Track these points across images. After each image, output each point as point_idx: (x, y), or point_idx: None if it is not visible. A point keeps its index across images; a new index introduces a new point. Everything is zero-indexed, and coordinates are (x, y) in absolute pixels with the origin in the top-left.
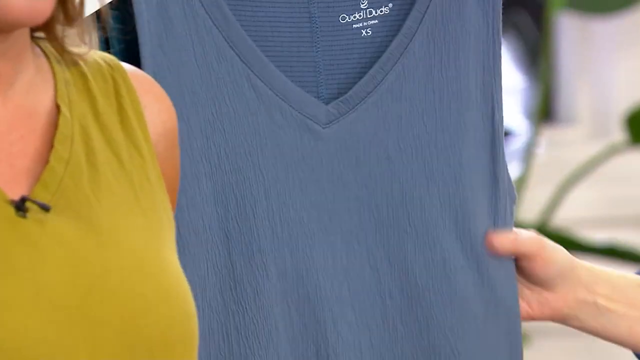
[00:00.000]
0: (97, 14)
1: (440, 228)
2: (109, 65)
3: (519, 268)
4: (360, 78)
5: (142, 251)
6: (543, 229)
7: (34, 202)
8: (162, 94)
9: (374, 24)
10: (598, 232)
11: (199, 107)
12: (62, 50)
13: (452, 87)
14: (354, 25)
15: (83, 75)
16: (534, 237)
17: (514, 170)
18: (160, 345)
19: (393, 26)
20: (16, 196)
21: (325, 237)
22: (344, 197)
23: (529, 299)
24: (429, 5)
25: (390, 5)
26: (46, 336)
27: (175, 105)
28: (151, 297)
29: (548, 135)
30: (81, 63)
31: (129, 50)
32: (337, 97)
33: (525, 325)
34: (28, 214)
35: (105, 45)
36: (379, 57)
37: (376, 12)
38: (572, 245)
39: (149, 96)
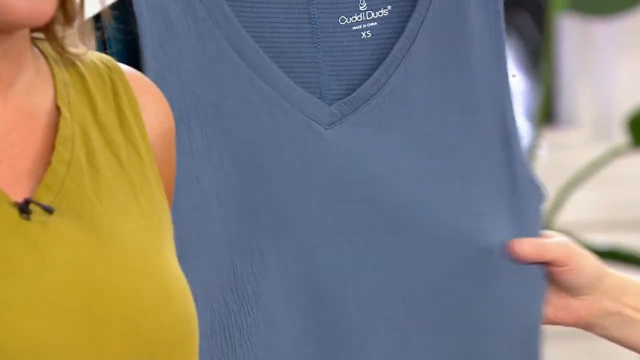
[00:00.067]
0: (96, 14)
1: (449, 228)
2: (106, 66)
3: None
4: (361, 80)
5: (144, 253)
6: None
7: (38, 204)
8: (160, 94)
9: (373, 26)
10: (600, 235)
11: (200, 109)
12: (61, 51)
13: (455, 88)
14: (353, 27)
15: (81, 76)
16: (562, 244)
17: None
18: (162, 347)
19: (393, 28)
20: (18, 198)
21: (329, 238)
22: (348, 198)
23: (554, 304)
24: (429, 7)
25: (389, 7)
26: (52, 339)
27: (176, 106)
28: (154, 299)
29: (549, 138)
30: (79, 64)
31: (127, 51)
32: (340, 99)
33: None
34: (31, 216)
35: (103, 46)
36: (380, 59)
37: (375, 15)
38: None
39: (147, 97)
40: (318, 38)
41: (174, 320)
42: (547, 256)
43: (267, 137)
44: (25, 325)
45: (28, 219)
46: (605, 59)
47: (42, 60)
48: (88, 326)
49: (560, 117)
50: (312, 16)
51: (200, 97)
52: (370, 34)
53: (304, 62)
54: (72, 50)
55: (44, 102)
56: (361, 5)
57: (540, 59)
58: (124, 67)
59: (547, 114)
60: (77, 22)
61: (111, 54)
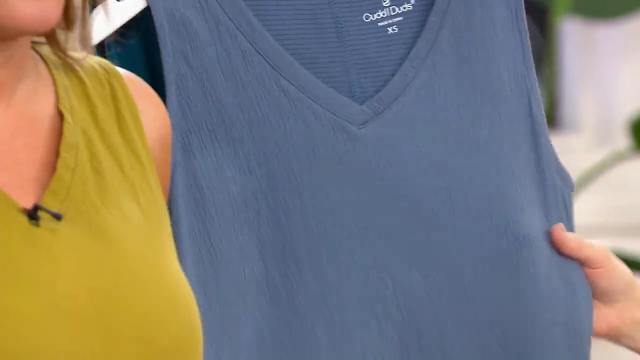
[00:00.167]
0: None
1: (487, 222)
2: (105, 70)
3: None
4: (392, 76)
5: (150, 259)
6: None
7: (47, 210)
8: (157, 98)
9: (399, 21)
10: (602, 239)
11: (226, 116)
12: (62, 55)
13: (483, 79)
14: (379, 24)
15: (81, 81)
16: (602, 247)
17: None
18: (171, 354)
19: (419, 22)
20: (25, 204)
21: (365, 238)
22: (382, 196)
23: None
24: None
25: (413, 1)
26: (63, 346)
27: (200, 115)
28: (162, 306)
29: (552, 142)
30: (78, 68)
31: (127, 55)
32: (371, 96)
33: None
34: (40, 223)
35: (102, 49)
36: (407, 54)
37: (399, 9)
38: None
39: (145, 101)
40: (344, 37)
41: (183, 328)
42: (586, 252)
43: (296, 140)
44: (39, 334)
45: (37, 225)
46: (608, 62)
47: (41, 64)
48: (99, 334)
49: (563, 121)
50: (336, 16)
51: (226, 104)
52: (396, 29)
53: (331, 62)
54: (73, 54)
55: (45, 107)
56: (384, 1)
57: (542, 62)
58: (121, 71)
59: (549, 118)
60: (77, 26)
61: (110, 58)
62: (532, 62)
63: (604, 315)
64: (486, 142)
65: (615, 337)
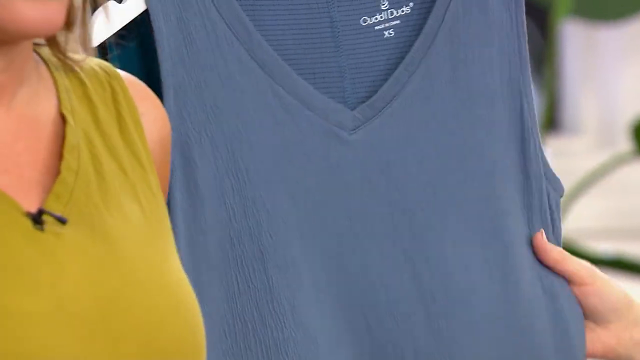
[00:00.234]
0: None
1: (478, 227)
2: (105, 72)
3: None
4: (385, 81)
5: (153, 263)
6: None
7: (51, 214)
8: (157, 101)
9: (396, 24)
10: (604, 243)
11: (224, 123)
12: (62, 57)
13: (478, 84)
14: (376, 27)
15: (82, 83)
16: (587, 265)
17: None
18: (174, 356)
19: (415, 26)
20: (29, 208)
21: (358, 244)
22: (375, 202)
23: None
24: (449, 3)
25: (411, 4)
26: (69, 350)
27: (198, 121)
28: (166, 309)
29: (553, 145)
30: (78, 70)
31: (128, 57)
32: (364, 102)
33: None
34: (45, 227)
35: (103, 51)
36: (403, 58)
37: (397, 13)
38: (578, 256)
39: (146, 103)
40: (340, 41)
41: (186, 331)
42: (569, 266)
43: (291, 146)
44: (44, 337)
45: (42, 229)
46: (609, 64)
47: (42, 66)
48: (104, 338)
49: (564, 124)
50: (334, 19)
51: (223, 110)
52: (393, 32)
53: (326, 67)
54: (72, 56)
55: (47, 109)
56: (383, 4)
57: (543, 65)
58: (122, 73)
59: (550, 120)
60: (77, 28)
61: (112, 59)
62: (529, 68)
63: (597, 336)
64: (478, 146)
65: (612, 358)
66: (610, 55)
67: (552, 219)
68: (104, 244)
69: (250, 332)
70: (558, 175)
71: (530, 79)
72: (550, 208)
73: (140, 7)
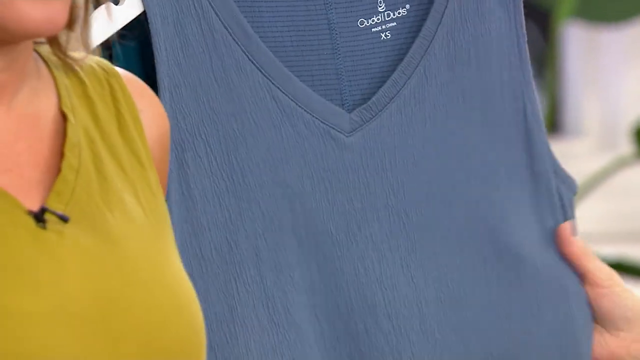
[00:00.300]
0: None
1: (471, 230)
2: (103, 69)
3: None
4: (382, 83)
5: (154, 262)
6: None
7: (53, 212)
8: (156, 98)
9: (392, 26)
10: (606, 246)
11: (219, 125)
12: (63, 56)
13: (475, 86)
14: (372, 29)
15: (81, 81)
16: (606, 268)
17: None
18: (175, 356)
19: (412, 28)
20: (30, 207)
21: (354, 247)
22: (372, 205)
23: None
24: (447, 5)
25: (408, 6)
26: (70, 350)
27: (194, 123)
28: (167, 309)
29: (554, 147)
30: (77, 68)
31: (125, 56)
32: (361, 104)
33: None
34: (47, 225)
35: (107, 51)
36: (400, 60)
37: (394, 15)
38: None
39: (145, 101)
40: (338, 43)
41: (187, 331)
42: (588, 264)
43: (288, 149)
44: (46, 336)
45: (44, 228)
46: (611, 67)
47: (42, 65)
48: (105, 337)
49: (566, 127)
50: (331, 21)
51: (219, 112)
52: (390, 34)
53: (324, 69)
54: (73, 55)
55: (47, 108)
56: (379, 6)
57: (545, 67)
58: (120, 70)
59: (552, 123)
60: (78, 26)
61: (115, 58)
62: (530, 68)
63: (605, 342)
64: (474, 149)
65: None
66: (612, 57)
67: (566, 218)
68: (106, 242)
69: (250, 335)
70: None
71: (532, 78)
72: (563, 206)
73: (138, 9)
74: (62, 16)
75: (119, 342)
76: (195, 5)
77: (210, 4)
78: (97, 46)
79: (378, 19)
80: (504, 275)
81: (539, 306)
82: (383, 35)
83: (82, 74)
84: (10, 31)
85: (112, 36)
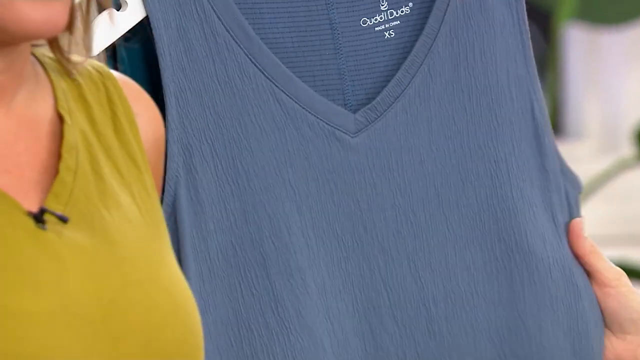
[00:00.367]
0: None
1: (480, 229)
2: (99, 72)
3: None
4: (386, 82)
5: (152, 263)
6: None
7: (53, 213)
8: (152, 102)
9: (396, 25)
10: (608, 249)
11: (224, 129)
12: (63, 59)
13: (480, 84)
14: (376, 28)
15: (77, 83)
16: (616, 268)
17: None
18: (175, 357)
19: (415, 26)
20: (30, 208)
21: (360, 248)
22: (378, 206)
23: None
24: (449, 2)
25: (411, 4)
26: (71, 350)
27: (199, 127)
28: (166, 310)
29: None
30: (75, 72)
31: (136, 59)
32: (365, 104)
33: None
34: (47, 226)
35: (113, 56)
36: (404, 59)
37: (397, 13)
38: None
39: (140, 104)
40: (340, 43)
41: (186, 332)
42: (597, 262)
43: (292, 151)
44: (49, 337)
45: (44, 228)
46: (613, 69)
47: (39, 67)
48: (105, 338)
49: (567, 129)
50: (333, 21)
51: (224, 116)
52: (393, 33)
53: (326, 69)
54: (73, 58)
55: (45, 110)
56: (382, 5)
57: (546, 69)
58: (115, 73)
59: (553, 125)
60: (79, 30)
61: (121, 61)
62: (534, 65)
63: (612, 345)
64: (481, 147)
65: None
66: (613, 59)
67: (572, 216)
68: (104, 243)
69: (257, 339)
70: None
71: (537, 75)
72: (569, 205)
73: (141, 14)
74: (61, 18)
75: (119, 342)
76: (198, 9)
77: (212, 7)
78: (102, 51)
79: (381, 18)
80: (516, 273)
81: (551, 304)
82: (387, 34)
83: (78, 76)
84: (10, 32)
85: (116, 41)
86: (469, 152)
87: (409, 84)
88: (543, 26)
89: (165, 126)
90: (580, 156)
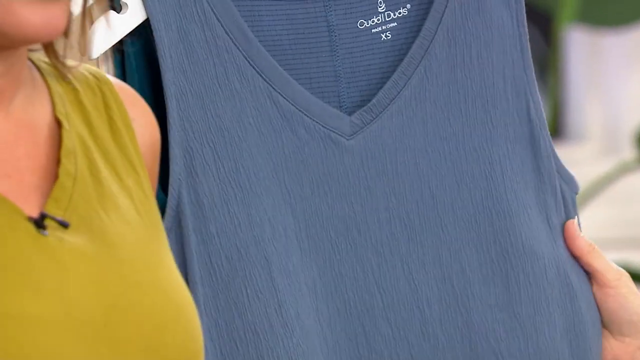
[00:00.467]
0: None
1: (475, 230)
2: (95, 77)
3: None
4: (382, 84)
5: (153, 266)
6: None
7: (54, 218)
8: (147, 107)
9: (393, 26)
10: (609, 252)
11: (225, 131)
12: (59, 64)
13: (476, 86)
14: (373, 30)
15: (73, 88)
16: (616, 268)
17: None
18: None
19: (412, 28)
20: (30, 213)
21: (353, 250)
22: (372, 208)
23: None
24: (447, 4)
25: (409, 6)
26: (74, 355)
27: (201, 130)
28: (167, 313)
29: (557, 152)
30: (70, 76)
31: (140, 62)
32: (360, 106)
33: None
34: (48, 231)
35: (121, 60)
36: (400, 61)
37: (394, 15)
38: None
39: (137, 109)
40: (337, 45)
41: (187, 336)
42: (596, 263)
43: (289, 154)
44: (52, 342)
45: (45, 234)
46: (614, 71)
47: (35, 71)
48: (108, 342)
49: (568, 131)
50: (331, 23)
51: (224, 119)
52: (390, 35)
53: (322, 71)
54: (68, 63)
55: (42, 114)
56: (380, 7)
57: (547, 72)
58: (111, 78)
59: (554, 128)
60: (74, 34)
61: (128, 65)
62: (532, 67)
63: (610, 346)
64: (476, 149)
65: None
66: (615, 62)
67: (568, 217)
68: (104, 247)
69: (262, 342)
70: None
71: (534, 77)
72: (565, 206)
73: (141, 16)
74: (61, 21)
75: (120, 347)
76: (198, 11)
77: (212, 9)
78: (105, 53)
79: (378, 20)
80: (511, 275)
81: (548, 305)
82: (383, 36)
83: (74, 81)
84: (10, 36)
85: (120, 44)
86: (464, 154)
87: (404, 85)
88: (544, 29)
89: (167, 128)
90: (582, 159)
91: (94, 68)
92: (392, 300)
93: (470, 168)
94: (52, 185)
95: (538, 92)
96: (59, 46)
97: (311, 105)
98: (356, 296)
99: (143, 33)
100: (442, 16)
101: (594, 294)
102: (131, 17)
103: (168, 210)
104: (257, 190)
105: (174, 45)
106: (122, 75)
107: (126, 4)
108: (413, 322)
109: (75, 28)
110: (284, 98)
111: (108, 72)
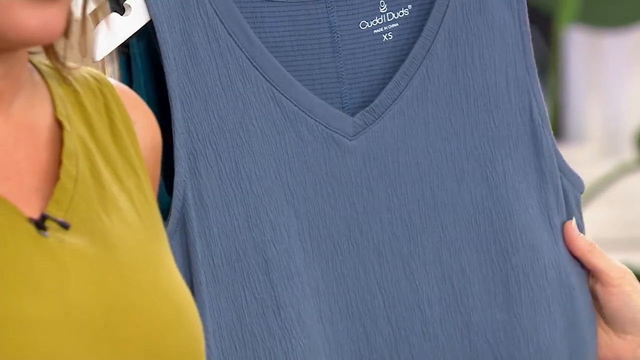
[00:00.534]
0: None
1: (476, 230)
2: (96, 80)
3: (593, 295)
4: (384, 85)
5: (153, 268)
6: None
7: (55, 220)
8: (149, 110)
9: (394, 27)
10: (610, 253)
11: (227, 132)
12: (61, 64)
13: (478, 86)
14: (374, 31)
15: (74, 90)
16: (619, 266)
17: None
18: None
19: (414, 28)
20: (31, 215)
21: (355, 251)
22: (374, 208)
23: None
24: (448, 4)
25: (410, 6)
26: (75, 356)
27: (204, 131)
28: (168, 315)
29: None
30: (70, 78)
31: (145, 64)
32: (363, 106)
33: None
34: (48, 233)
35: (127, 61)
36: (402, 61)
37: (396, 15)
38: None
39: (138, 112)
40: (339, 46)
41: (188, 337)
42: (599, 262)
43: (291, 155)
44: (53, 344)
45: (46, 235)
46: (614, 72)
47: (36, 73)
48: (108, 343)
49: (568, 132)
50: (333, 24)
51: (227, 120)
52: (391, 35)
53: (324, 72)
54: (68, 64)
55: (43, 117)
56: (381, 7)
57: (547, 72)
58: (112, 81)
59: (554, 128)
60: (74, 35)
61: (135, 66)
62: (535, 66)
63: (612, 343)
64: (477, 149)
65: None
66: (615, 62)
67: (570, 217)
68: (106, 249)
69: (260, 344)
70: None
71: (537, 76)
72: (568, 205)
73: (145, 18)
74: (59, 23)
75: (120, 349)
76: (201, 12)
77: (215, 11)
78: (110, 55)
79: (380, 20)
80: (511, 275)
81: (547, 305)
82: (385, 37)
83: (75, 83)
84: (8, 39)
85: (124, 46)
86: (466, 154)
87: (406, 86)
88: (544, 29)
89: (172, 130)
90: (582, 160)
91: (95, 71)
92: (393, 300)
93: (471, 168)
94: (52, 187)
95: (541, 92)
96: (59, 47)
97: (314, 106)
98: (358, 296)
99: (145, 34)
100: (444, 16)
101: (597, 293)
102: (134, 19)
103: (173, 212)
104: (257, 192)
105: (177, 47)
106: (129, 76)
107: (129, 6)
108: (414, 322)
109: (76, 29)
110: (287, 99)
111: (114, 74)
